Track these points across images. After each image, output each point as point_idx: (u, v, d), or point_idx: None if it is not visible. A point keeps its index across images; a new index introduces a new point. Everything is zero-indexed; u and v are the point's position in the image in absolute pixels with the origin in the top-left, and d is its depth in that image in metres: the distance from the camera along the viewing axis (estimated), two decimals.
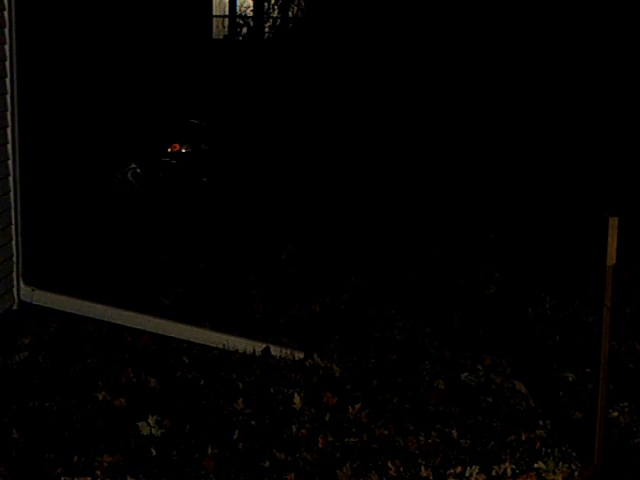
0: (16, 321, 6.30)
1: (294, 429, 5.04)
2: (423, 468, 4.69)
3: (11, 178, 6.36)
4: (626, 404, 5.34)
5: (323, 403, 5.34)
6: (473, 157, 10.93)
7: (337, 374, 5.74)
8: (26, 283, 6.43)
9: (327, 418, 5.17)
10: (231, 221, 9.21)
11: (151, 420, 5.03)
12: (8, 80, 6.26)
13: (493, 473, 4.67)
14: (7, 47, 6.21)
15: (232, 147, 11.34)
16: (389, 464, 4.71)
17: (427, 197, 10.11)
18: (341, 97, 11.76)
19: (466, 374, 5.75)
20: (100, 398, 5.31)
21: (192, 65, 12.25)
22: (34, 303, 6.40)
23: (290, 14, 13.34)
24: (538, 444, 4.92)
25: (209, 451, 4.79)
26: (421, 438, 4.98)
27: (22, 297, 6.42)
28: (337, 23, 12.16)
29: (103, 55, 10.42)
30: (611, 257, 4.40)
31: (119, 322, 6.26)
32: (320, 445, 4.89)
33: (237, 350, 6.01)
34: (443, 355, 6.05)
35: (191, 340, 6.13)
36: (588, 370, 5.75)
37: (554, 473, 4.65)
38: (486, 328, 6.51)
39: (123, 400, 5.30)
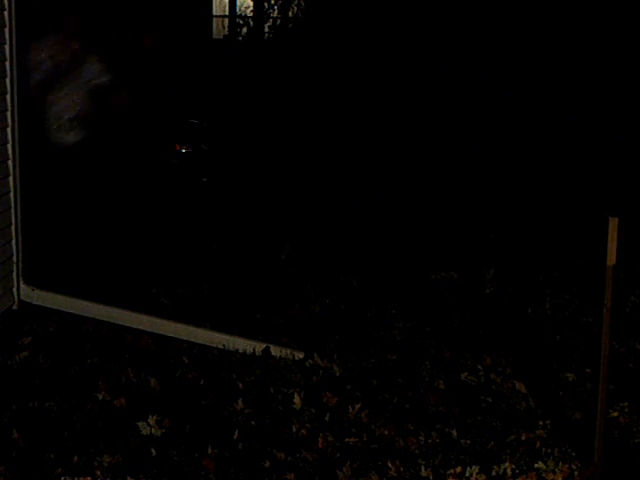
0: (16, 321, 6.30)
1: (294, 429, 5.04)
2: (423, 468, 4.69)
3: (11, 178, 6.37)
4: (626, 404, 5.34)
5: (323, 403, 5.34)
6: (473, 157, 10.92)
7: (337, 374, 5.74)
8: (26, 283, 6.43)
9: (327, 418, 5.17)
10: (231, 221, 9.20)
11: (151, 420, 5.03)
12: (8, 80, 6.27)
13: (493, 473, 4.67)
14: (7, 47, 6.22)
15: (232, 147, 11.33)
16: (389, 464, 4.71)
17: (428, 197, 10.10)
18: (341, 97, 11.75)
19: (466, 374, 5.75)
20: (100, 398, 5.31)
21: (192, 65, 12.23)
22: (34, 303, 6.41)
23: (290, 14, 13.31)
24: (538, 444, 4.91)
25: (209, 451, 4.79)
26: (421, 438, 4.98)
27: (22, 297, 6.43)
28: (337, 23, 12.15)
29: (103, 54, 10.41)
30: (611, 257, 4.40)
31: (119, 322, 6.26)
32: (320, 445, 4.89)
33: (237, 350, 6.01)
34: (443, 355, 6.04)
35: (191, 340, 6.13)
36: (588, 370, 5.75)
37: (554, 473, 4.65)
38: (486, 328, 6.51)
39: (123, 400, 5.30)
